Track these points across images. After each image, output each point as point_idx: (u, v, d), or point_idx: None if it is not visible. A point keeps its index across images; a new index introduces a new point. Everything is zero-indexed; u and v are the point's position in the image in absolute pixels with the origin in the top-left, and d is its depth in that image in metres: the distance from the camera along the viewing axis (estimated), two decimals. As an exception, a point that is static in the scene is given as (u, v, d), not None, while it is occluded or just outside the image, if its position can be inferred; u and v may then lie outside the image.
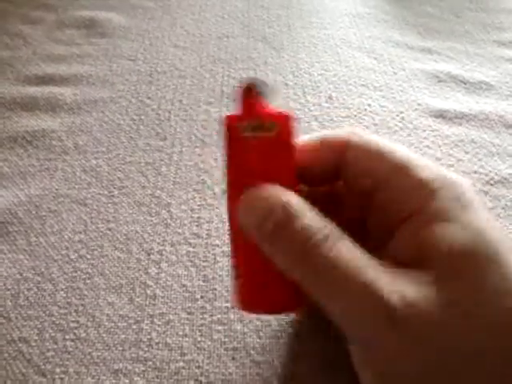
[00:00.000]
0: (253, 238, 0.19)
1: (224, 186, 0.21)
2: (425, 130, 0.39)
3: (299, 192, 0.20)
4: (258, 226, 0.19)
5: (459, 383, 0.17)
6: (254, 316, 0.27)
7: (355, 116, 0.40)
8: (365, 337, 0.18)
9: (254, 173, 0.20)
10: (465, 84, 0.44)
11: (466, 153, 0.37)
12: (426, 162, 0.20)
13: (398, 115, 0.40)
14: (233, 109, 0.40)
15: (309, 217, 0.18)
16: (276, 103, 0.21)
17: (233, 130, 0.20)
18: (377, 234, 0.21)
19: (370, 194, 0.21)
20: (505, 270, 0.17)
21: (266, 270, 0.19)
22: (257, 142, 0.20)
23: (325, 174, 0.22)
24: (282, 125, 0.20)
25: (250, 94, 0.20)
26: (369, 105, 0.41)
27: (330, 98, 0.41)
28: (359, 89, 0.43)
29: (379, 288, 0.17)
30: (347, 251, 0.18)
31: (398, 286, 0.17)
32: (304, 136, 0.22)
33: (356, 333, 0.18)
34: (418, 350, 0.17)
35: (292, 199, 0.19)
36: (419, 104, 0.41)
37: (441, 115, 0.40)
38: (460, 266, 0.17)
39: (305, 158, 0.21)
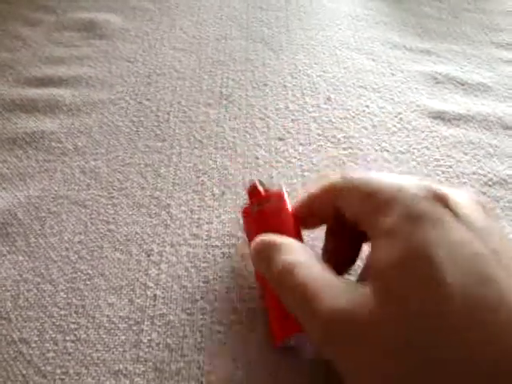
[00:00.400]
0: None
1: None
2: (423, 131, 0.39)
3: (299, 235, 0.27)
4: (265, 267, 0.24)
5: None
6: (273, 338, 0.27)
7: (353, 117, 0.40)
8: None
9: (266, 229, 0.26)
10: (463, 85, 0.44)
11: (465, 154, 0.37)
12: (394, 181, 0.22)
13: (396, 116, 0.40)
14: (231, 112, 0.40)
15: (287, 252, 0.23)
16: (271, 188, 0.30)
17: (247, 212, 0.29)
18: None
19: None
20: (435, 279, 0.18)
21: None
22: (263, 211, 0.28)
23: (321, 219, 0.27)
24: (278, 198, 0.28)
25: (252, 190, 0.29)
26: (367, 106, 0.41)
27: (329, 99, 0.41)
28: (358, 90, 0.43)
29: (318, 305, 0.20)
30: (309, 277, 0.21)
31: (333, 300, 0.19)
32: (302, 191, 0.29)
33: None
34: (346, 349, 0.19)
35: (276, 239, 0.24)
36: (417, 105, 0.42)
37: (439, 116, 0.40)
38: (388, 280, 0.19)
39: (304, 212, 0.27)
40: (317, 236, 0.30)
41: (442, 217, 0.19)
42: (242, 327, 0.27)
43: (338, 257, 0.27)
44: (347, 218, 0.24)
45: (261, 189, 0.29)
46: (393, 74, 0.45)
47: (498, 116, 0.41)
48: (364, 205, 0.22)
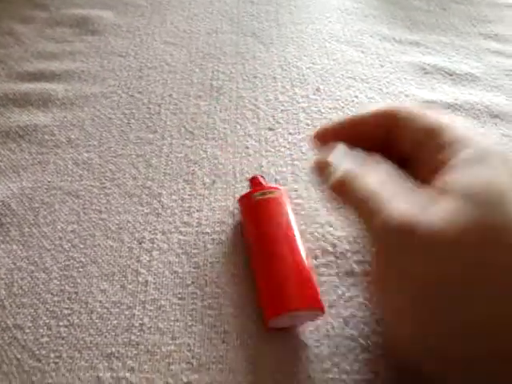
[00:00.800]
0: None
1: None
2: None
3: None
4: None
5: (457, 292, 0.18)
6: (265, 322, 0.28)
7: (343, 107, 0.40)
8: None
9: (266, 219, 0.28)
10: (451, 75, 0.45)
11: (452, 141, 0.38)
12: (457, 124, 0.22)
13: (384, 106, 0.41)
14: (222, 103, 0.41)
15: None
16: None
17: (247, 198, 0.30)
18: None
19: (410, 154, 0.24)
20: None
21: (284, 276, 0.26)
22: (265, 200, 0.29)
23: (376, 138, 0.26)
24: (281, 192, 0.30)
25: (255, 180, 0.31)
26: (356, 96, 0.42)
27: (318, 90, 0.42)
28: (346, 81, 0.43)
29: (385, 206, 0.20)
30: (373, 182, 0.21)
31: (403, 204, 0.20)
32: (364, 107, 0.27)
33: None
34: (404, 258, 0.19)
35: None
36: (406, 95, 0.42)
37: (428, 106, 0.41)
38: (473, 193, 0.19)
39: (347, 130, 0.26)
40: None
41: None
42: (232, 310, 0.27)
43: None
44: (402, 151, 0.24)
45: (264, 182, 0.31)
46: (382, 66, 0.46)
47: (486, 105, 0.41)
48: (433, 139, 0.22)
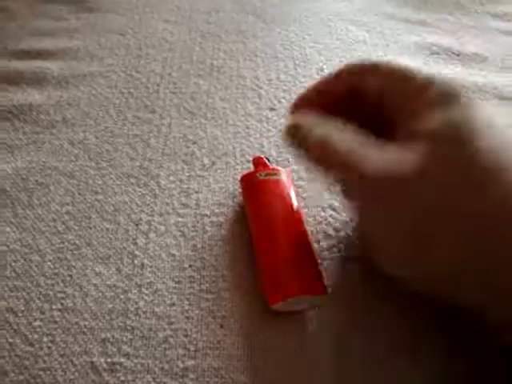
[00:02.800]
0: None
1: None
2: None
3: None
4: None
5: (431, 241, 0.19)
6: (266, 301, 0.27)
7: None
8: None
9: (269, 199, 0.28)
10: (458, 56, 0.44)
11: (459, 123, 0.37)
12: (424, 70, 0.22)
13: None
14: (222, 83, 0.39)
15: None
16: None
17: (250, 177, 0.29)
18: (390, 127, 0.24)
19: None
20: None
21: (288, 259, 0.25)
22: (270, 181, 0.29)
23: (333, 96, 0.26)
24: (286, 174, 0.29)
25: (260, 158, 0.31)
26: (360, 76, 0.40)
27: (321, 69, 0.41)
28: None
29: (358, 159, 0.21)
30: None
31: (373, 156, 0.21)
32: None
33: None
34: (379, 207, 0.21)
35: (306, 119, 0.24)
36: (412, 76, 0.41)
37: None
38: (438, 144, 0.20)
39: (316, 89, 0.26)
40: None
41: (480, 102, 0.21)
42: (230, 295, 0.26)
43: None
44: (370, 100, 0.24)
45: (268, 163, 0.30)
46: (387, 45, 0.44)
47: (494, 86, 0.40)
48: (400, 86, 0.22)
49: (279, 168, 0.30)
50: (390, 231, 0.21)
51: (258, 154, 0.33)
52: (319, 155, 0.23)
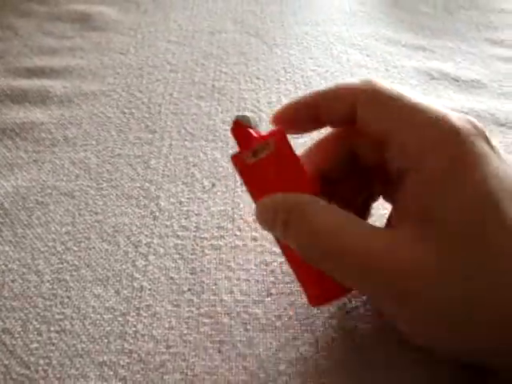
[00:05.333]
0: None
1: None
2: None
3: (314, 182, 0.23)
4: (271, 224, 0.22)
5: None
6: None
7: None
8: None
9: (269, 186, 0.22)
10: (457, 82, 0.44)
11: (457, 149, 0.37)
12: (432, 110, 0.20)
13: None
14: (223, 105, 0.40)
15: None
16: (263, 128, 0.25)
17: (239, 162, 0.23)
18: (390, 178, 0.22)
19: (380, 142, 0.21)
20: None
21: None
22: (261, 162, 0.22)
23: (339, 121, 0.23)
24: (276, 140, 0.23)
25: (239, 128, 0.23)
26: (360, 101, 0.41)
27: (322, 93, 0.41)
28: (351, 85, 0.42)
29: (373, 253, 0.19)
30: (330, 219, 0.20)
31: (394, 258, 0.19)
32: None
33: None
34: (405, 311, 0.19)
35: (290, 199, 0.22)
36: (411, 101, 0.41)
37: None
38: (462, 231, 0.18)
39: (322, 108, 0.23)
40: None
41: (489, 153, 0.19)
42: (228, 319, 0.26)
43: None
44: (368, 133, 0.22)
45: (251, 131, 0.23)
46: (387, 70, 0.45)
47: (492, 113, 0.41)
48: (407, 125, 0.20)
49: (267, 132, 0.24)
50: (418, 327, 0.20)
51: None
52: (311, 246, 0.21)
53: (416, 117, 0.20)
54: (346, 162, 0.24)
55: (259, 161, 0.23)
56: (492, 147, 0.19)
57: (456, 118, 0.20)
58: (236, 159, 0.23)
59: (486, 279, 0.17)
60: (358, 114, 0.22)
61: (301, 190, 0.22)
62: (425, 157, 0.19)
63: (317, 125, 0.24)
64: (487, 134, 0.20)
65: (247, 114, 0.24)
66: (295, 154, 0.23)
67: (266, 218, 0.22)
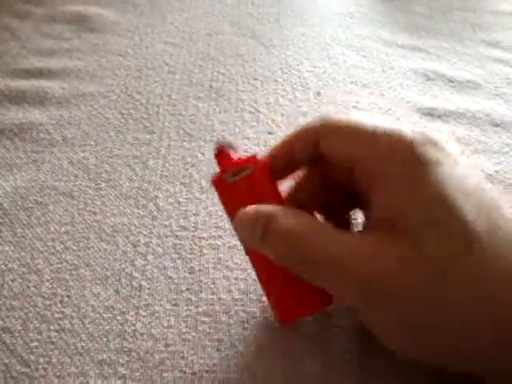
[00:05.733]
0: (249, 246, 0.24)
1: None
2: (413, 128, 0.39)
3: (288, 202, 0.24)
4: (250, 233, 0.22)
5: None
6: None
7: (343, 112, 0.40)
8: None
9: (246, 204, 0.23)
10: (453, 83, 0.44)
11: (453, 149, 0.37)
12: (383, 127, 0.22)
13: (386, 112, 0.40)
14: (221, 105, 0.40)
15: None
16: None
17: (219, 182, 0.24)
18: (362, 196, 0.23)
19: (346, 167, 0.23)
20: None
21: (288, 279, 0.22)
22: (240, 181, 0.24)
23: (309, 159, 0.24)
24: (254, 163, 0.24)
25: (222, 152, 0.24)
26: (357, 102, 0.41)
27: (319, 94, 0.41)
28: (348, 86, 0.43)
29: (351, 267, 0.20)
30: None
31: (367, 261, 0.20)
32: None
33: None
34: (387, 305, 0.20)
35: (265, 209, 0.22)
36: (408, 102, 0.42)
37: (429, 113, 0.41)
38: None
39: (284, 155, 0.25)
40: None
41: (441, 158, 0.20)
42: (227, 317, 0.27)
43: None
44: (334, 162, 0.23)
45: (232, 153, 0.25)
46: (383, 71, 0.45)
47: (487, 113, 0.41)
48: (361, 147, 0.22)
49: (247, 157, 0.24)
50: (387, 328, 0.21)
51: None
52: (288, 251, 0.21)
53: (369, 136, 0.22)
54: (321, 187, 0.25)
55: (237, 180, 0.24)
56: (447, 154, 0.21)
57: (408, 131, 0.21)
58: (216, 179, 0.24)
59: (447, 281, 0.18)
60: (321, 148, 0.23)
61: (272, 200, 0.24)
62: (379, 166, 0.21)
63: (294, 167, 0.25)
64: (441, 143, 0.21)
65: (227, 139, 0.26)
66: (273, 178, 0.25)
67: (246, 227, 0.23)
